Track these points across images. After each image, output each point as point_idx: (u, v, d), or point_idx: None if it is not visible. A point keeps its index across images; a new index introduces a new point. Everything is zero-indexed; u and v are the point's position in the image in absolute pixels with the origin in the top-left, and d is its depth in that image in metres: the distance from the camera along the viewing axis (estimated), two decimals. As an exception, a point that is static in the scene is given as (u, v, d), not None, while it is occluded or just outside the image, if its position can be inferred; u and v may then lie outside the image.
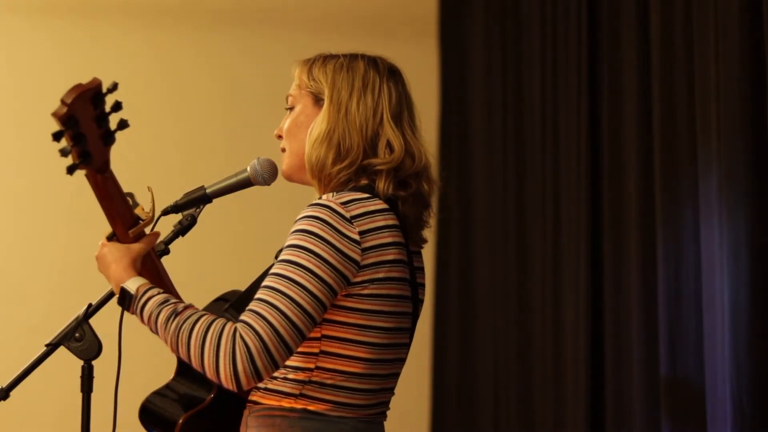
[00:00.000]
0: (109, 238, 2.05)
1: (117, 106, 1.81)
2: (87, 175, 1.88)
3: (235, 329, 1.87)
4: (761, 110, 2.83)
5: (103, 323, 2.15)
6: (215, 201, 2.21)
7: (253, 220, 4.21)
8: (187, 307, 1.95)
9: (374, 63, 2.11)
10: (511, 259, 4.13)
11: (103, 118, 1.80)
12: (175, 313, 1.93)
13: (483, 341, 4.24)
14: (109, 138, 1.83)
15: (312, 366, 1.99)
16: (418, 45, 4.42)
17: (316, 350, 1.99)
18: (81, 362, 2.12)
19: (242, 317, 1.89)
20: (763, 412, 2.80)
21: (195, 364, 1.91)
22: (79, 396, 2.12)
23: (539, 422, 3.93)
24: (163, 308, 1.94)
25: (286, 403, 2.00)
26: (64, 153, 1.78)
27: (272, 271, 1.93)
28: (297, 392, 1.99)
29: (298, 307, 1.89)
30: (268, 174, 2.19)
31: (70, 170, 1.82)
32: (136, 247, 2.04)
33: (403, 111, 2.10)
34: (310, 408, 2.00)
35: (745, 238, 2.84)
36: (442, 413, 4.36)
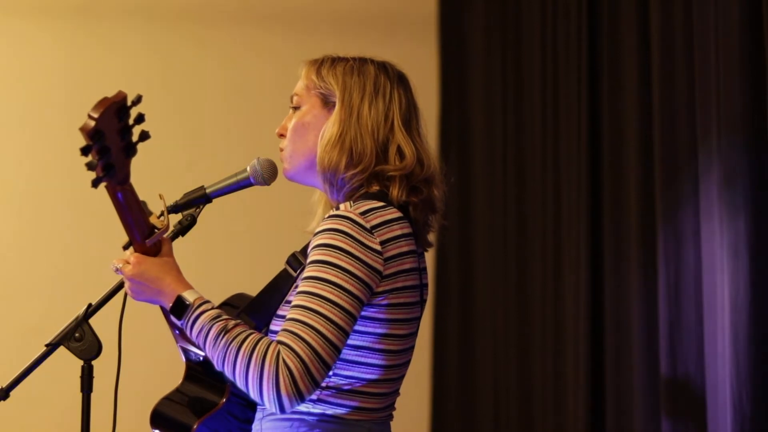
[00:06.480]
0: (125, 248, 2.05)
1: (140, 119, 1.81)
2: (107, 187, 1.87)
3: (279, 353, 1.87)
4: (761, 110, 2.83)
5: (103, 323, 2.16)
6: (215, 201, 2.21)
7: (253, 220, 4.21)
8: (237, 324, 1.95)
9: (384, 68, 2.11)
10: (511, 259, 4.13)
11: (127, 130, 1.80)
12: (225, 331, 1.93)
13: (483, 341, 4.24)
14: (130, 150, 1.83)
15: (330, 373, 1.98)
16: (418, 45, 4.41)
17: None
18: (81, 362, 2.12)
19: (282, 338, 1.89)
20: (763, 412, 2.80)
21: (239, 385, 1.92)
22: (79, 396, 2.12)
23: (539, 422, 3.93)
24: (214, 324, 1.94)
25: (303, 408, 2.00)
26: (91, 167, 1.77)
27: (302, 288, 1.93)
28: (315, 398, 2.00)
29: (334, 325, 1.89)
30: (268, 174, 2.19)
31: (95, 183, 1.81)
32: (170, 257, 2.04)
33: (412, 117, 2.11)
34: (328, 412, 2.00)
35: (745, 238, 2.84)
36: (442, 413, 4.36)
